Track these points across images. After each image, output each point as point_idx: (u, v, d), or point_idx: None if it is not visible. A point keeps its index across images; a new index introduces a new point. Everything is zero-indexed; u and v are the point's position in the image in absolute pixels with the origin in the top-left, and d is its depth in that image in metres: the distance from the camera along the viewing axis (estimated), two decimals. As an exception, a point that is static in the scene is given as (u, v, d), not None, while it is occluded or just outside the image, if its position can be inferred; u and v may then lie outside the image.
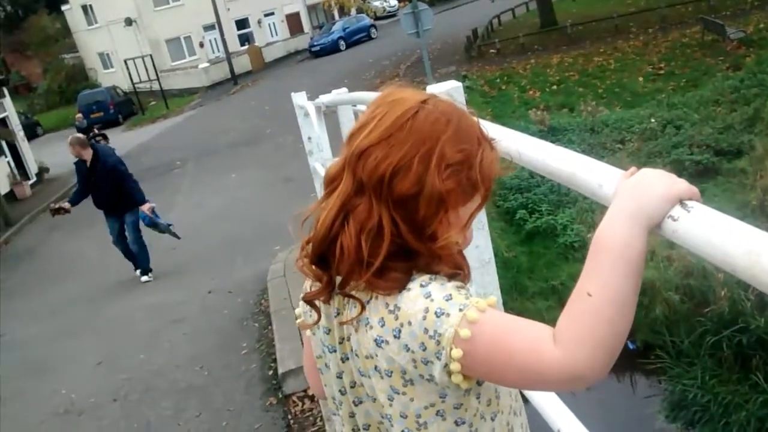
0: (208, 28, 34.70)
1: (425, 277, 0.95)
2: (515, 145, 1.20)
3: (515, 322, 0.90)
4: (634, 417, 7.29)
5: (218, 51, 34.66)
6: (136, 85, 30.65)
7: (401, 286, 0.94)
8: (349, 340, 1.03)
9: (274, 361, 4.56)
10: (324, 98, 4.67)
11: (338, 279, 1.00)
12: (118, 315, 7.05)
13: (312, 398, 3.99)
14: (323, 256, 0.99)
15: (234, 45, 34.94)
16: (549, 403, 1.51)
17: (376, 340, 0.96)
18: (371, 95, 3.61)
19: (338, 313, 1.04)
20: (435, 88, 1.72)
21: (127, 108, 30.68)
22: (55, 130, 30.14)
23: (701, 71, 17.06)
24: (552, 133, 13.42)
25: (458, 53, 25.05)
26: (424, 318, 0.90)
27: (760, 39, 17.91)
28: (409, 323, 0.91)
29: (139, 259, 7.90)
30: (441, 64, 22.57)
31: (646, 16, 23.85)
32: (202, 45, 35.95)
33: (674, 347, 7.39)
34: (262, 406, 4.20)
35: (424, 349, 0.90)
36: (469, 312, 0.88)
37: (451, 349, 0.88)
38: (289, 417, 3.94)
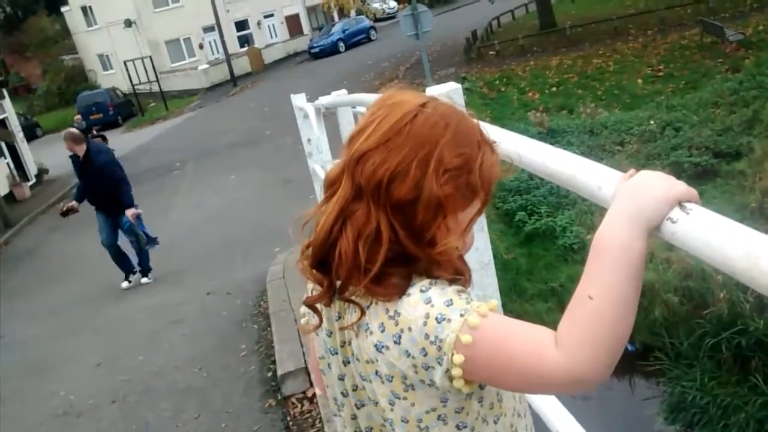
0: (208, 29, 34.71)
1: (425, 282, 0.94)
2: (514, 147, 1.20)
3: (517, 326, 0.90)
4: (633, 419, 7.29)
5: (218, 52, 34.68)
6: (135, 87, 30.66)
7: (401, 292, 0.94)
8: (350, 344, 1.03)
9: (273, 362, 4.55)
10: (323, 100, 4.67)
11: (338, 283, 0.99)
12: (118, 316, 7.04)
13: (311, 400, 3.99)
14: (323, 261, 0.99)
15: (233, 46, 34.96)
16: (548, 405, 1.51)
17: (376, 346, 0.95)
18: (370, 97, 3.61)
19: (339, 317, 1.04)
20: (434, 90, 1.72)
21: (126, 109, 30.68)
22: (54, 132, 30.08)
23: (700, 73, 17.08)
24: (551, 135, 13.43)
25: (457, 55, 25.07)
26: (425, 324, 0.89)
27: (759, 41, 17.92)
28: (410, 329, 0.91)
29: (142, 259, 7.86)
30: (440, 66, 22.58)
31: (645, 18, 23.87)
32: (201, 46, 35.97)
33: (673, 349, 7.39)
34: (261, 408, 4.20)
35: (425, 355, 0.90)
36: (471, 317, 0.88)
37: (452, 354, 0.87)
38: (288, 419, 3.94)
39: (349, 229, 0.95)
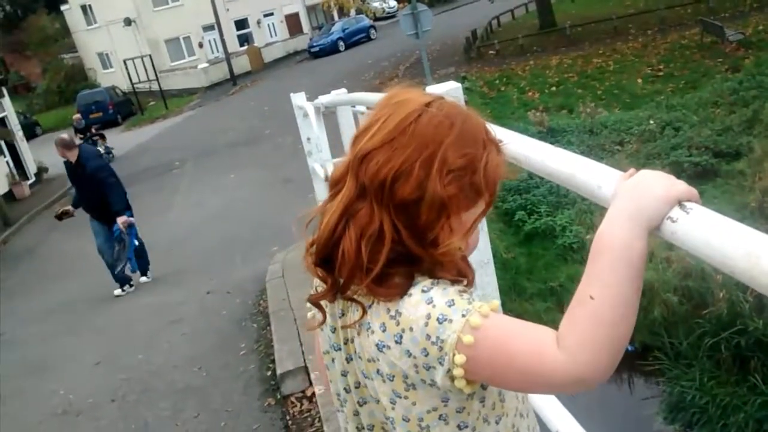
0: (208, 28, 34.70)
1: (427, 282, 0.94)
2: (522, 149, 1.20)
3: (518, 326, 0.90)
4: (633, 418, 7.30)
5: (217, 51, 34.66)
6: (135, 86, 30.65)
7: (402, 292, 0.93)
8: (352, 341, 1.03)
9: (273, 361, 4.55)
10: (323, 99, 4.67)
11: (342, 281, 0.99)
12: (117, 315, 7.04)
13: (310, 399, 3.98)
14: (327, 258, 0.98)
15: (233, 45, 34.95)
16: (547, 405, 1.51)
17: (377, 345, 0.95)
18: (370, 96, 3.61)
19: (343, 314, 1.04)
20: (434, 89, 1.72)
21: (126, 108, 30.66)
22: (54, 130, 30.01)
23: (700, 73, 17.08)
24: (551, 135, 13.44)
25: (457, 54, 25.07)
26: (426, 324, 0.89)
27: (758, 41, 17.93)
28: (411, 329, 0.91)
29: (140, 261, 7.73)
30: (440, 65, 22.58)
31: (645, 17, 23.88)
32: (201, 45, 35.95)
33: (673, 349, 7.39)
34: (260, 407, 4.20)
35: (426, 355, 0.90)
36: (472, 317, 0.88)
37: (453, 354, 0.87)
38: (288, 418, 3.94)
39: (353, 229, 0.95)
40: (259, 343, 5.13)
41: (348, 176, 0.97)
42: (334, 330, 1.07)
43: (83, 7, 37.50)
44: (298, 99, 5.82)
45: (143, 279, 7.82)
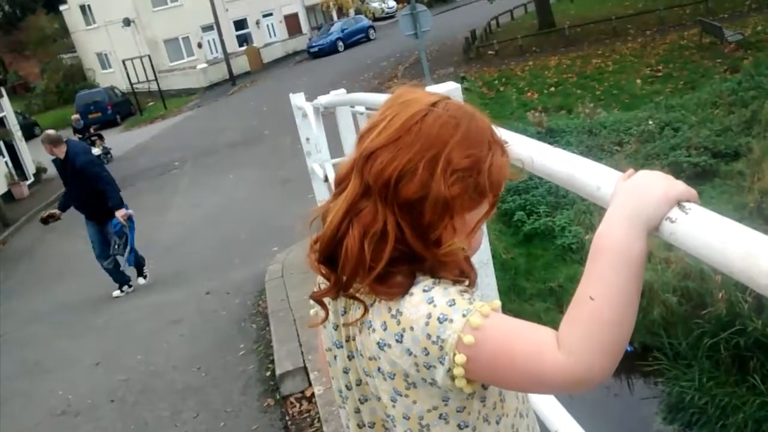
0: (207, 28, 34.70)
1: (428, 282, 0.94)
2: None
3: (519, 327, 0.90)
4: (632, 418, 7.30)
5: (216, 51, 34.66)
6: (134, 86, 30.65)
7: (404, 291, 0.94)
8: (354, 339, 1.04)
9: (272, 362, 4.55)
10: (322, 99, 4.67)
11: (344, 279, 0.99)
12: (116, 315, 7.04)
13: (309, 399, 3.98)
14: (331, 256, 0.99)
15: (232, 46, 34.96)
16: (546, 405, 1.51)
17: (378, 343, 0.96)
18: (369, 96, 3.61)
19: (345, 312, 1.05)
20: (434, 90, 1.72)
21: (125, 108, 30.65)
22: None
23: (699, 73, 17.09)
24: (550, 135, 13.44)
25: (456, 54, 25.09)
26: (427, 324, 0.89)
27: (757, 41, 17.94)
28: (411, 328, 0.91)
29: (132, 264, 7.53)
30: (439, 66, 22.60)
31: (644, 18, 23.90)
32: (200, 45, 35.94)
33: (672, 349, 7.39)
34: (259, 407, 4.20)
35: (427, 354, 0.90)
36: (473, 318, 0.88)
37: (454, 354, 0.87)
38: (287, 418, 3.94)
39: (356, 227, 0.95)
40: (258, 343, 5.13)
41: (353, 174, 0.98)
42: (336, 327, 1.08)
43: (82, 7, 37.48)
44: (297, 99, 5.83)
45: (141, 281, 7.77)
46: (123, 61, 31.48)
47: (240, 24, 37.47)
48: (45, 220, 7.29)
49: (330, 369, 1.15)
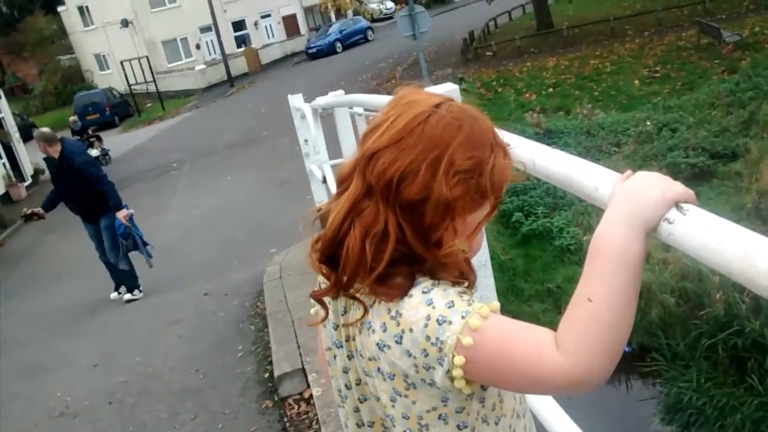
0: (205, 29, 34.70)
1: (428, 283, 0.94)
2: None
3: (517, 328, 0.90)
4: (630, 419, 7.30)
5: (215, 53, 34.66)
6: (132, 87, 30.61)
7: (403, 293, 0.94)
8: (354, 339, 1.04)
9: (270, 363, 4.55)
10: (321, 100, 4.68)
11: (345, 279, 1.00)
12: (114, 317, 7.03)
13: (308, 401, 3.98)
14: (332, 256, 0.99)
15: (230, 47, 34.94)
16: (545, 406, 1.51)
17: (378, 344, 0.96)
18: (368, 98, 3.62)
19: (345, 312, 1.05)
20: (432, 91, 1.72)
21: (123, 109, 30.62)
22: (50, 132, 30.04)
23: (697, 74, 17.11)
24: (548, 136, 13.45)
25: (455, 55, 25.11)
26: (426, 325, 0.90)
27: (755, 42, 17.98)
28: (411, 330, 0.91)
29: (120, 273, 7.18)
30: (437, 67, 22.61)
31: (642, 19, 23.93)
32: (198, 47, 35.94)
33: (670, 350, 7.40)
34: (257, 409, 4.19)
35: (426, 355, 0.90)
36: (472, 319, 0.88)
37: (453, 356, 0.88)
38: (285, 420, 3.93)
39: (358, 227, 0.95)
40: (256, 345, 5.12)
41: (355, 174, 0.98)
42: (336, 327, 1.08)
43: (80, 9, 37.45)
44: (296, 101, 5.83)
45: (128, 297, 7.26)
46: (121, 63, 31.45)
47: (238, 25, 37.47)
48: (27, 217, 6.94)
49: (329, 368, 1.15)
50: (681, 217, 0.79)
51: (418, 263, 0.96)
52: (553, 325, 0.88)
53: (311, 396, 3.92)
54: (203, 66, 33.84)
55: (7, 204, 16.41)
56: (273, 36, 39.14)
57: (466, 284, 0.99)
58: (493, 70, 21.55)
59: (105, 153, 19.13)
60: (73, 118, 21.13)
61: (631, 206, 0.83)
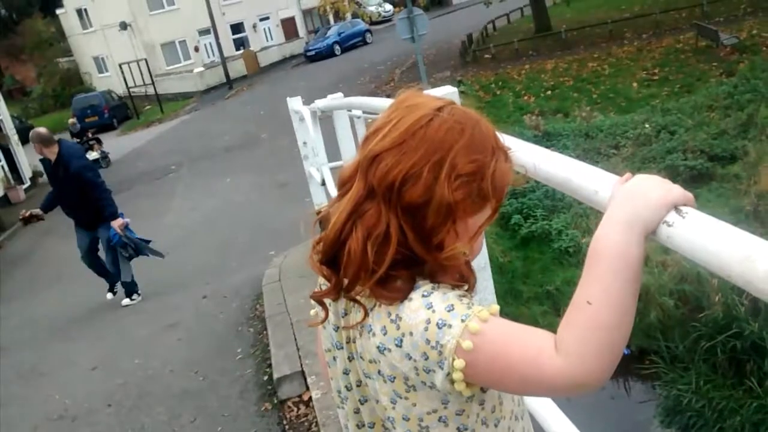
0: (204, 32, 34.73)
1: (428, 287, 0.95)
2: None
3: (517, 331, 0.90)
4: (629, 422, 7.31)
5: (213, 55, 34.69)
6: (130, 89, 30.63)
7: (403, 296, 0.94)
8: (354, 341, 1.04)
9: (269, 366, 4.54)
10: (319, 103, 4.68)
11: (346, 281, 1.00)
12: (113, 319, 7.01)
13: (307, 404, 3.98)
14: (333, 258, 0.99)
15: (229, 49, 34.97)
16: (544, 408, 1.52)
17: (378, 347, 0.96)
18: (367, 100, 3.62)
19: (345, 314, 1.05)
20: (434, 94, 1.72)
21: (121, 112, 30.63)
22: (49, 134, 30.01)
23: (695, 77, 17.14)
24: (547, 138, 13.47)
25: (453, 58, 25.13)
26: (426, 329, 0.90)
27: (753, 45, 18.01)
28: (411, 334, 0.91)
29: (122, 280, 7.06)
30: (436, 69, 22.63)
31: (640, 21, 23.95)
32: (197, 49, 35.96)
33: (669, 352, 7.41)
34: (257, 412, 4.19)
35: (426, 359, 0.90)
36: (471, 322, 0.88)
37: (453, 359, 0.88)
38: (284, 422, 3.93)
39: (360, 229, 0.95)
40: (255, 347, 5.12)
41: (357, 177, 0.98)
42: (336, 329, 1.08)
43: (79, 11, 37.48)
44: (295, 103, 5.83)
45: (126, 302, 7.21)
46: (120, 65, 31.46)
47: (237, 28, 37.50)
48: (26, 220, 6.81)
49: (329, 370, 1.15)
50: (680, 221, 0.80)
51: (418, 266, 0.96)
52: (552, 328, 0.88)
53: (310, 399, 3.92)
54: (202, 69, 33.86)
55: (6, 206, 16.40)
56: (271, 39, 39.17)
57: (466, 287, 1.00)
58: (492, 72, 21.57)
59: (105, 156, 19.14)
60: (72, 120, 21.16)
61: (630, 209, 0.84)
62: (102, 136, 21.57)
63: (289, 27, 40.26)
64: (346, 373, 1.09)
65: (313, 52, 34.51)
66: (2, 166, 18.15)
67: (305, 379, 4.10)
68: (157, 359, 5.47)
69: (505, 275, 9.00)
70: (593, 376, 0.83)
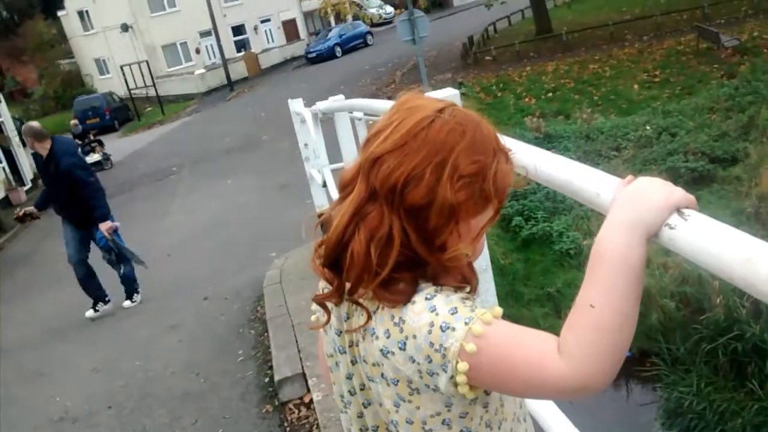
0: (205, 34, 34.77)
1: (431, 289, 0.95)
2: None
3: (520, 334, 0.90)
4: (630, 424, 7.29)
5: (214, 57, 34.72)
6: (132, 91, 30.67)
7: (406, 299, 0.94)
8: (357, 345, 1.04)
9: (270, 368, 4.54)
10: (320, 105, 4.69)
11: (348, 284, 1.00)
12: (114, 321, 7.01)
13: (308, 406, 3.98)
14: (335, 260, 0.99)
15: (230, 51, 35.00)
16: (545, 410, 1.51)
17: (381, 350, 0.96)
18: (368, 102, 3.62)
19: (348, 317, 1.05)
20: (436, 96, 1.72)
21: (122, 114, 30.68)
22: (50, 136, 30.03)
23: (696, 79, 17.15)
24: (548, 140, 13.48)
25: (454, 60, 25.15)
26: (429, 332, 0.90)
27: (753, 47, 18.03)
28: (414, 336, 0.91)
29: (126, 285, 6.96)
30: (437, 71, 22.64)
31: (641, 23, 23.97)
32: (198, 51, 36.00)
33: (670, 354, 7.40)
34: (258, 414, 4.19)
35: (430, 362, 0.90)
36: (475, 326, 0.88)
37: (456, 362, 0.88)
38: (285, 425, 3.93)
39: (362, 231, 0.95)
40: (256, 349, 5.12)
41: (359, 179, 0.98)
42: (339, 333, 1.08)
43: (80, 13, 37.54)
44: (296, 105, 5.83)
45: (126, 303, 7.11)
46: (121, 67, 31.51)
47: (238, 30, 37.54)
48: (21, 219, 6.69)
49: (331, 375, 1.15)
50: (682, 223, 0.80)
51: (420, 268, 0.96)
52: (553, 330, 0.88)
53: (311, 400, 3.91)
54: (203, 70, 33.89)
55: (7, 208, 16.42)
56: (273, 40, 39.21)
57: (468, 289, 1.00)
58: (493, 74, 21.59)
59: (107, 158, 19.17)
60: (73, 121, 21.21)
61: (632, 212, 0.84)
62: (103, 138, 21.61)
63: (290, 29, 40.30)
64: (349, 377, 1.09)
65: (314, 54, 34.55)
66: (3, 168, 18.17)
67: (306, 381, 4.09)
68: (158, 361, 5.46)
69: (507, 277, 8.99)
70: (596, 379, 0.84)
